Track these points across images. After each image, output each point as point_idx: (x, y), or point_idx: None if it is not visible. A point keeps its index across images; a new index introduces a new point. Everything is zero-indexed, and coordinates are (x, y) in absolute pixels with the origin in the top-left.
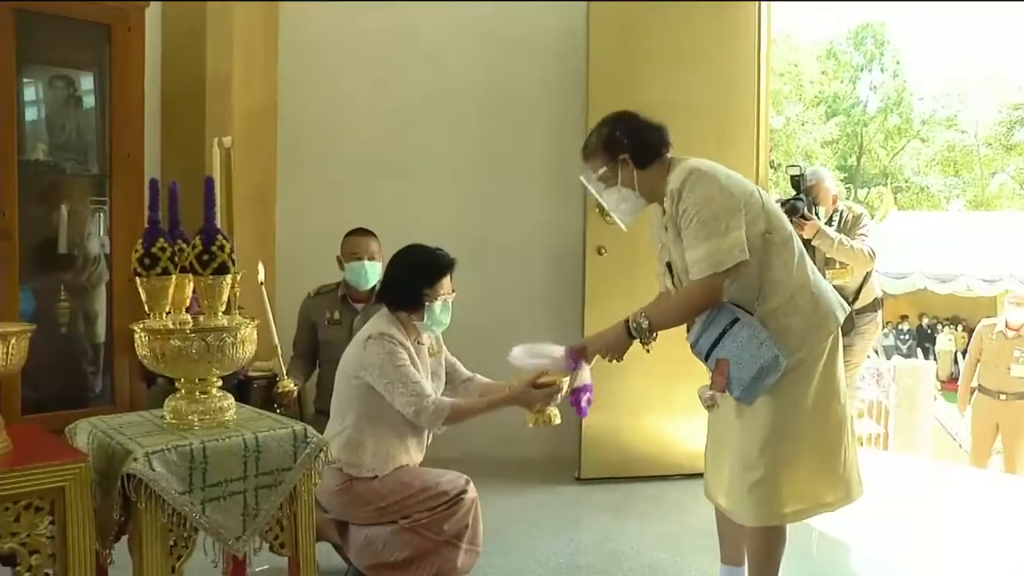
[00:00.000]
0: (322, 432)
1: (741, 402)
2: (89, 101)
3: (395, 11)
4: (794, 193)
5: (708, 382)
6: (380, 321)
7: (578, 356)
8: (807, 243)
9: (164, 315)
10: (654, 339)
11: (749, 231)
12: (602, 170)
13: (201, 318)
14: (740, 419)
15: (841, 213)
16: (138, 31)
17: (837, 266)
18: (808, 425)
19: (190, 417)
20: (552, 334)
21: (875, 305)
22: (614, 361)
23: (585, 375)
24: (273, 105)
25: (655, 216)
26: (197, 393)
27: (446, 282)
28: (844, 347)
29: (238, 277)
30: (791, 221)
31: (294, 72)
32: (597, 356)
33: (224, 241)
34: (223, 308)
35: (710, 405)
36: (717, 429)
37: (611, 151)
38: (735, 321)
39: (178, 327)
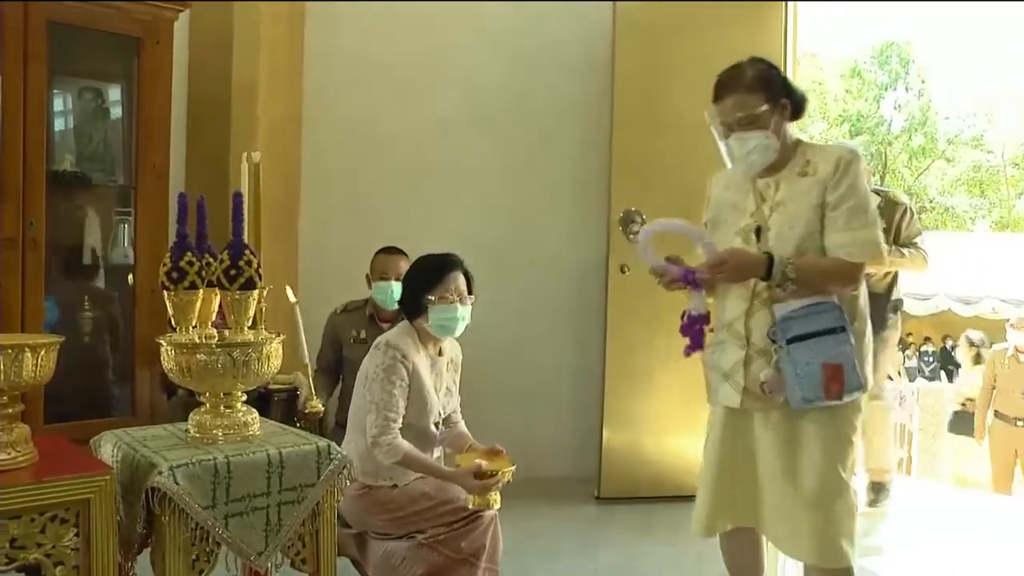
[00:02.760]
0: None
1: (801, 406)
2: (116, 112)
3: (421, 26)
4: None
5: (767, 368)
6: (396, 330)
7: (693, 277)
8: None
9: (190, 329)
10: (786, 288)
11: None
12: (762, 108)
13: (227, 332)
14: (798, 450)
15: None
16: (166, 44)
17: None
18: (848, 472)
19: (214, 431)
20: (574, 350)
21: (896, 306)
22: (713, 279)
23: (700, 302)
24: (298, 117)
25: (737, 178)
26: (222, 407)
27: (452, 284)
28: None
29: (264, 292)
30: None
31: (319, 85)
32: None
33: (252, 256)
34: (249, 323)
35: (771, 392)
36: (738, 456)
37: (773, 92)
38: (843, 328)
39: (204, 341)
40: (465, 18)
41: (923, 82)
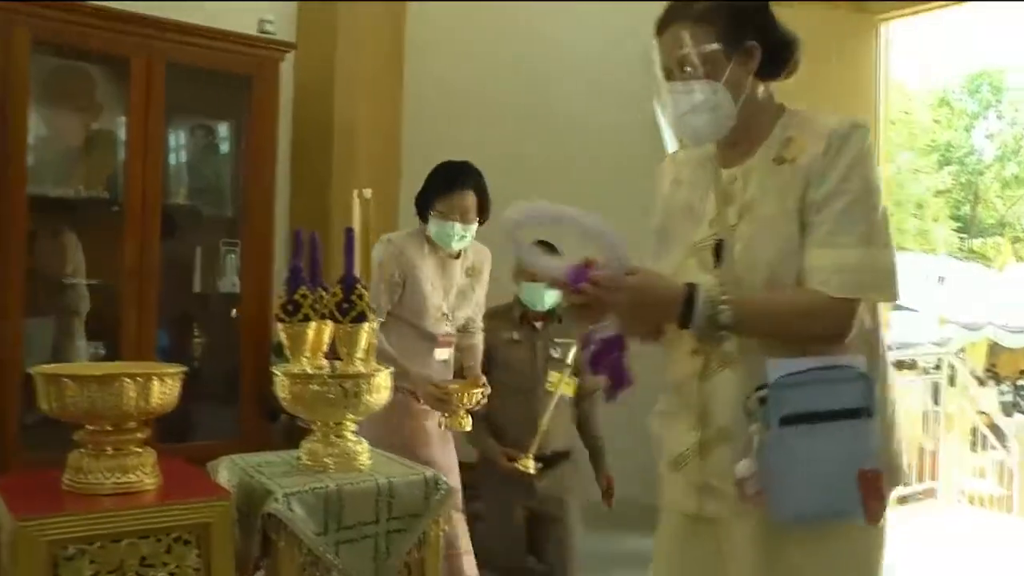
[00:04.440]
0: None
1: (791, 520)
2: (225, 148)
3: (519, 60)
4: None
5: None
6: (405, 230)
7: (582, 276)
8: None
9: (303, 359)
10: (721, 339)
11: None
12: (711, 47)
13: (338, 364)
14: None
15: None
16: (274, 82)
17: None
18: None
19: (325, 459)
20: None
21: None
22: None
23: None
24: (397, 153)
25: (690, 167)
26: (332, 436)
27: (456, 201)
28: None
29: (375, 325)
30: None
31: (417, 120)
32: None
33: (363, 290)
34: (360, 355)
35: (755, 493)
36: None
37: (737, 30)
38: (869, 412)
39: (317, 372)
40: (558, 55)
41: (1016, 111)
